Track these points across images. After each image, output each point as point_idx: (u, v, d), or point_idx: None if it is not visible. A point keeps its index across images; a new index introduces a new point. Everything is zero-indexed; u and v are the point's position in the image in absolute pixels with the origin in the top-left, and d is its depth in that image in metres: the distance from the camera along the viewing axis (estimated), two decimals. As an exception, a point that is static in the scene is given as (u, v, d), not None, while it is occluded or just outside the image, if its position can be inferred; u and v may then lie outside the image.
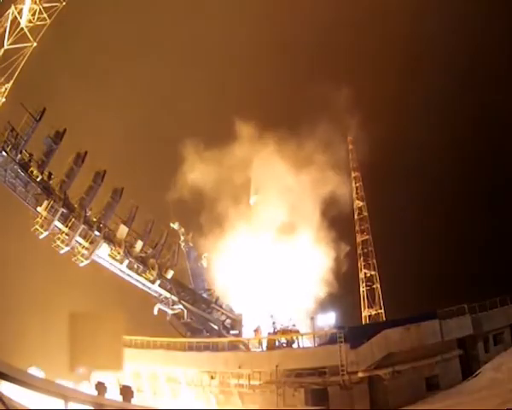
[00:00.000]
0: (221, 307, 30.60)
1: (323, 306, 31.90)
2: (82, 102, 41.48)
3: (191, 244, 32.77)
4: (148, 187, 38.04)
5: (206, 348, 26.08)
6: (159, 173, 39.39)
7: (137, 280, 27.43)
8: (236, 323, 30.93)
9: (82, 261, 25.07)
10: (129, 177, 35.26)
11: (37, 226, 23.71)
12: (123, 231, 26.63)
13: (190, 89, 44.94)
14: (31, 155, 24.41)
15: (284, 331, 27.67)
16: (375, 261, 39.35)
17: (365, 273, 39.21)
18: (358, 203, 41.66)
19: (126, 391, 10.34)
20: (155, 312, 28.69)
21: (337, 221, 37.37)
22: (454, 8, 39.48)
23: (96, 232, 25.42)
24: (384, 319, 36.48)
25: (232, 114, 38.47)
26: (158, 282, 27.71)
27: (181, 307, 28.70)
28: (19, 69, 26.12)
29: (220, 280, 33.32)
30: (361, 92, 37.75)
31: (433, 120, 43.31)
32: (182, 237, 32.23)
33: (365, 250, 39.90)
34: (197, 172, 36.06)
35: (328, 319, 28.53)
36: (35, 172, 24.29)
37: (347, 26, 44.16)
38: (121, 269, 26.66)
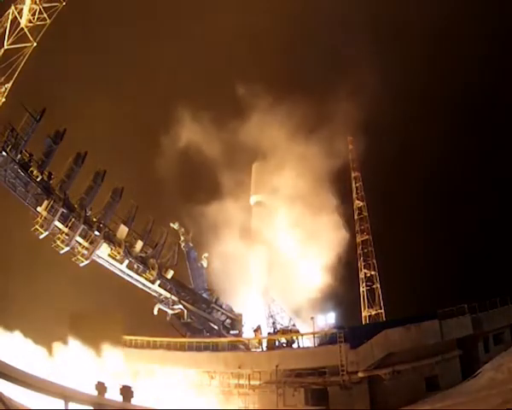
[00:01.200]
0: (221, 307, 30.61)
1: (323, 306, 31.88)
2: (82, 99, 41.56)
3: (191, 244, 32.76)
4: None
5: (206, 348, 26.10)
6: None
7: (137, 280, 27.43)
8: (236, 323, 30.94)
9: (82, 261, 25.04)
10: (129, 173, 35.51)
11: (37, 226, 23.68)
12: (123, 231, 26.62)
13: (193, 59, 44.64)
14: (31, 155, 24.39)
15: (284, 331, 27.69)
16: (375, 261, 39.34)
17: (365, 273, 39.20)
18: (358, 203, 41.66)
19: (126, 391, 10.37)
20: (155, 312, 28.70)
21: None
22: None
23: (96, 232, 25.41)
24: (384, 319, 36.48)
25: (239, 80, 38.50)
26: (158, 282, 27.71)
27: (181, 307, 28.71)
28: (19, 69, 26.13)
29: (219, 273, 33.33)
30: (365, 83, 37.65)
31: (436, 120, 43.31)
32: (182, 237, 32.22)
33: (365, 250, 39.90)
34: (202, 143, 36.52)
35: (328, 319, 28.57)
36: (35, 172, 24.27)
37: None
38: (121, 269, 26.65)
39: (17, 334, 23.05)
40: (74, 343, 24.37)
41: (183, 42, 46.01)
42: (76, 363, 22.20)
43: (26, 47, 26.19)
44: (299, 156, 37.49)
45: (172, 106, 39.85)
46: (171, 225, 31.89)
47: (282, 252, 36.38)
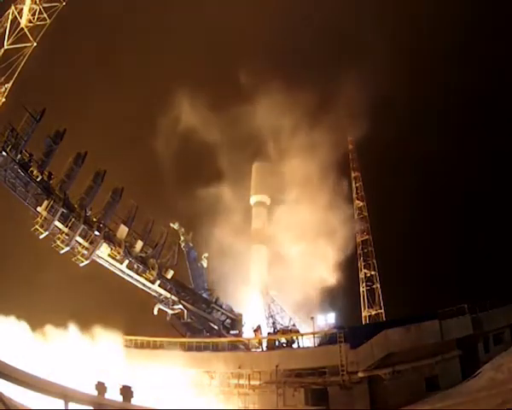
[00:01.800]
0: (221, 307, 30.60)
1: (323, 306, 31.88)
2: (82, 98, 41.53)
3: (191, 244, 32.75)
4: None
5: (206, 348, 26.09)
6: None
7: (137, 280, 27.43)
8: (236, 323, 30.93)
9: (82, 261, 25.04)
10: (128, 169, 35.52)
11: (37, 226, 23.67)
12: (123, 231, 26.63)
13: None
14: (31, 155, 24.39)
15: (284, 331, 27.66)
16: (375, 261, 39.37)
17: (365, 273, 39.22)
18: (358, 203, 41.68)
19: (126, 391, 10.37)
20: (155, 312, 28.70)
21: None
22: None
23: (96, 232, 25.40)
24: (384, 319, 36.49)
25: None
26: (158, 282, 27.72)
27: (181, 307, 28.72)
28: (19, 69, 26.14)
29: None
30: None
31: (437, 119, 43.26)
32: (182, 237, 32.20)
33: (365, 250, 39.92)
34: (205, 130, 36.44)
35: (328, 319, 28.57)
36: (35, 172, 24.27)
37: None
38: (121, 269, 26.65)
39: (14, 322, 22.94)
40: (73, 338, 24.35)
41: (185, 26, 45.86)
42: (75, 356, 22.14)
43: (26, 47, 26.21)
44: (302, 147, 37.53)
45: (172, 91, 39.93)
46: (171, 225, 31.86)
47: (282, 251, 36.39)
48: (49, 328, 23.74)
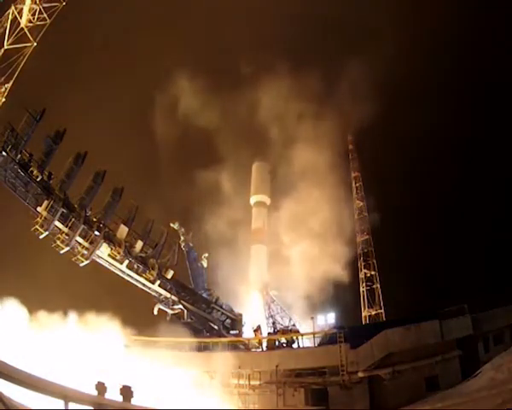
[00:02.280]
0: (221, 306, 30.61)
1: (323, 306, 31.89)
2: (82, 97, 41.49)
3: (191, 244, 32.76)
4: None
5: (206, 348, 26.08)
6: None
7: (137, 280, 27.43)
8: (236, 323, 30.93)
9: (82, 261, 25.04)
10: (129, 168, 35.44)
11: (37, 226, 23.67)
12: (123, 231, 26.63)
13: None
14: (31, 155, 24.38)
15: (284, 331, 27.68)
16: (375, 261, 39.37)
17: (365, 273, 39.22)
18: (358, 203, 41.67)
19: (126, 391, 10.37)
20: (155, 312, 28.70)
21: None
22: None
23: (96, 232, 25.40)
24: (384, 319, 36.49)
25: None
26: (158, 282, 27.72)
27: (181, 307, 28.72)
28: (19, 69, 26.15)
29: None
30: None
31: (436, 117, 43.17)
32: (182, 237, 32.22)
33: (365, 250, 39.92)
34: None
35: (328, 319, 28.58)
36: (35, 172, 24.26)
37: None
38: (121, 269, 26.65)
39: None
40: (73, 337, 24.33)
41: (186, 12, 45.63)
42: (75, 356, 22.11)
43: (26, 47, 26.22)
44: (301, 146, 37.57)
45: (171, 79, 39.89)
46: (172, 225, 31.89)
47: (282, 251, 36.41)
48: (48, 328, 23.73)
